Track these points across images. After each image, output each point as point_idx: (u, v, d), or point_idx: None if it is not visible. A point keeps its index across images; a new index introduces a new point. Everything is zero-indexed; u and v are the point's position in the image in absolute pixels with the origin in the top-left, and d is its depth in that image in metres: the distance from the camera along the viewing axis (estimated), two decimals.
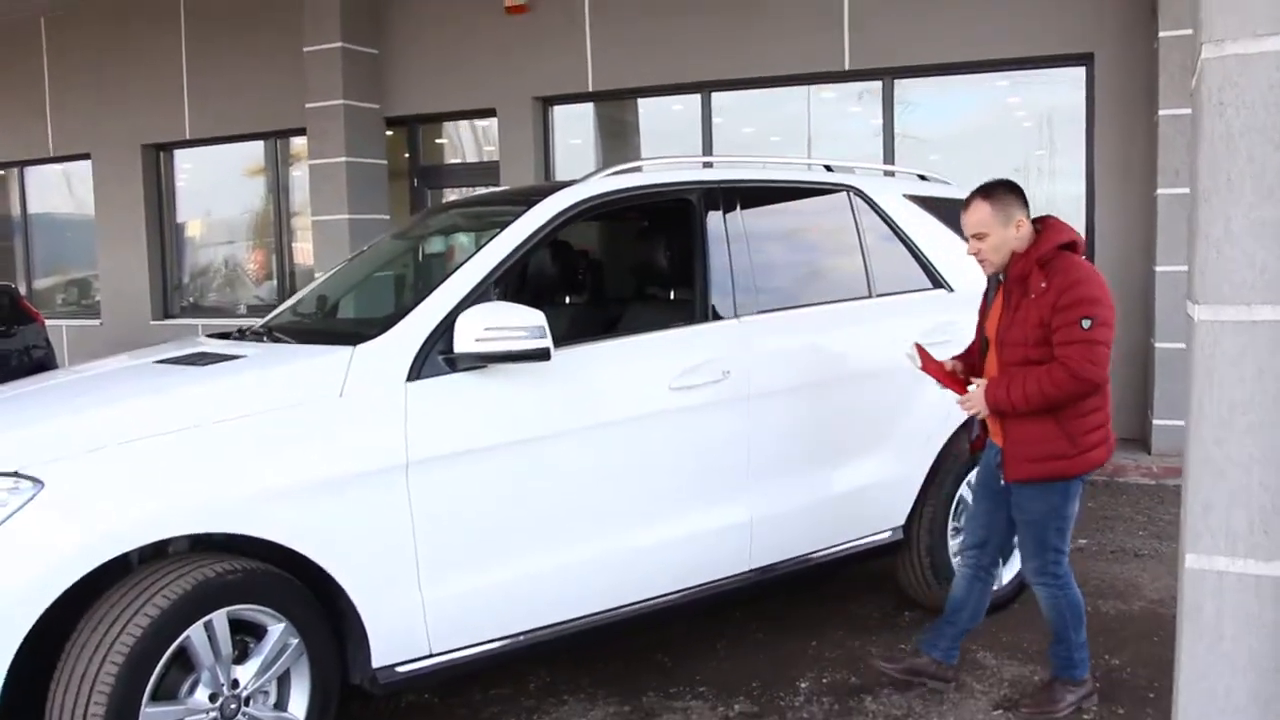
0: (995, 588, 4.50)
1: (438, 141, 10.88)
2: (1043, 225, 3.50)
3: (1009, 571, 4.58)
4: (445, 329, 3.28)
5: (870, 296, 4.27)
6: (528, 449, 3.34)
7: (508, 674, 4.01)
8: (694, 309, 3.84)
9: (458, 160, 10.84)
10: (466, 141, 10.85)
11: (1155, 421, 7.33)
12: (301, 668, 3.11)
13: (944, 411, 4.34)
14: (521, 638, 3.41)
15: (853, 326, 4.18)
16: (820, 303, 4.15)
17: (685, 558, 3.70)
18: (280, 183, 11.24)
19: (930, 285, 4.47)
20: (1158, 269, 7.42)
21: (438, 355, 3.26)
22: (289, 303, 4.40)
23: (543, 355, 3.24)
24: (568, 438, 3.41)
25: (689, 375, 3.63)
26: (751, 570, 3.88)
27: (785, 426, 3.89)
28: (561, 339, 3.55)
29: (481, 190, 9.60)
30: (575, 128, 10.00)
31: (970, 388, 3.55)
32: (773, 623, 4.51)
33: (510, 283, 5.20)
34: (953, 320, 4.41)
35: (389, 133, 10.50)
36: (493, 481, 3.30)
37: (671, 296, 4.35)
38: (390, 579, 3.16)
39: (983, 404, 3.47)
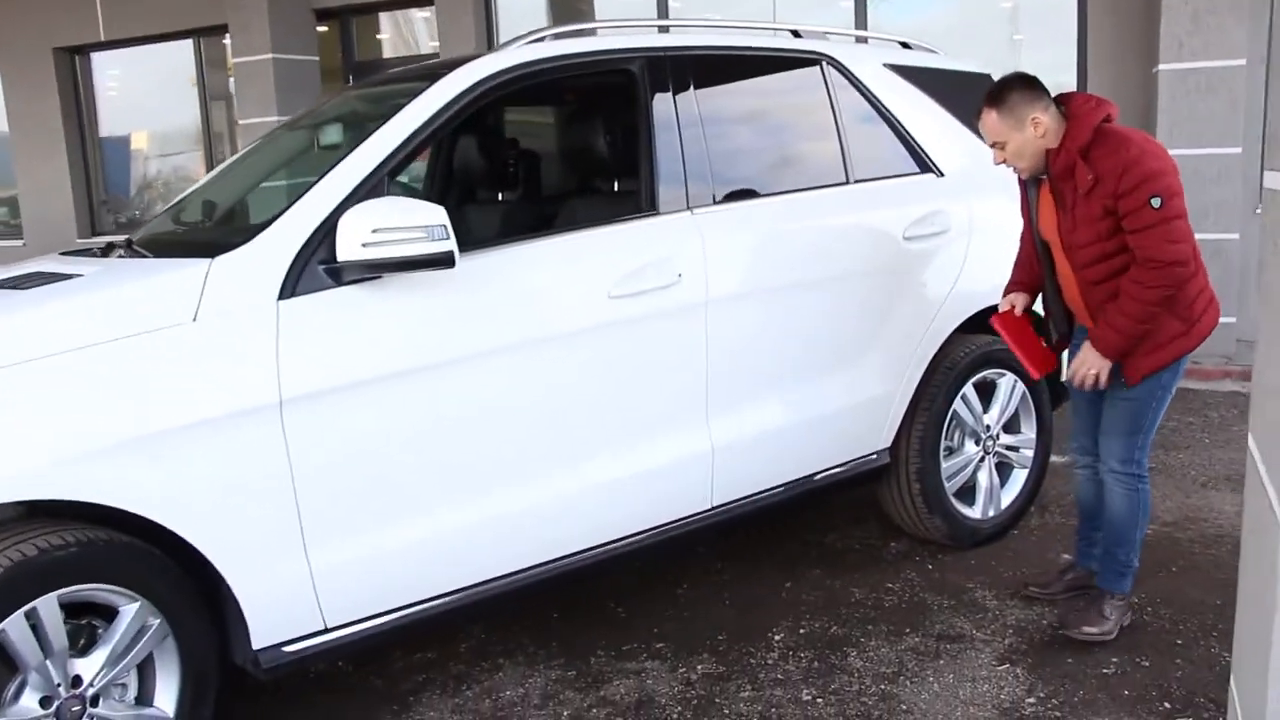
0: (992, 514, 3.98)
1: (376, 37, 10.03)
2: (1068, 108, 3.05)
3: (1007, 494, 4.04)
4: (326, 233, 2.64)
5: (848, 183, 3.63)
6: (433, 378, 2.73)
7: (434, 633, 3.46)
8: (639, 201, 3.21)
9: (396, 55, 10.00)
10: (406, 34, 10.01)
11: None
12: (168, 653, 2.54)
13: (934, 315, 3.75)
14: (440, 601, 2.84)
15: (827, 218, 3.55)
16: (789, 191, 3.51)
17: (633, 499, 3.12)
18: (209, 86, 10.37)
19: (917, 169, 3.84)
20: None
21: (318, 266, 2.63)
22: (164, 210, 3.73)
23: (445, 261, 2.61)
24: (482, 362, 2.79)
25: (632, 280, 3.01)
26: (714, 509, 3.31)
27: (749, 338, 3.29)
28: (480, 241, 2.93)
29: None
30: (525, 19, 9.17)
31: (1066, 362, 3.30)
32: (742, 561, 3.97)
33: (436, 183, 4.60)
34: (943, 209, 3.80)
35: (320, 27, 9.63)
36: (391, 420, 2.69)
37: (615, 188, 3.71)
38: (267, 545, 2.57)
39: (1102, 362, 3.08)
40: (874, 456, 3.71)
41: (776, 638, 3.39)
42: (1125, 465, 3.18)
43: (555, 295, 2.91)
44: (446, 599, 2.85)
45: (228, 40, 9.81)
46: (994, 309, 3.46)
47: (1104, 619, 3.27)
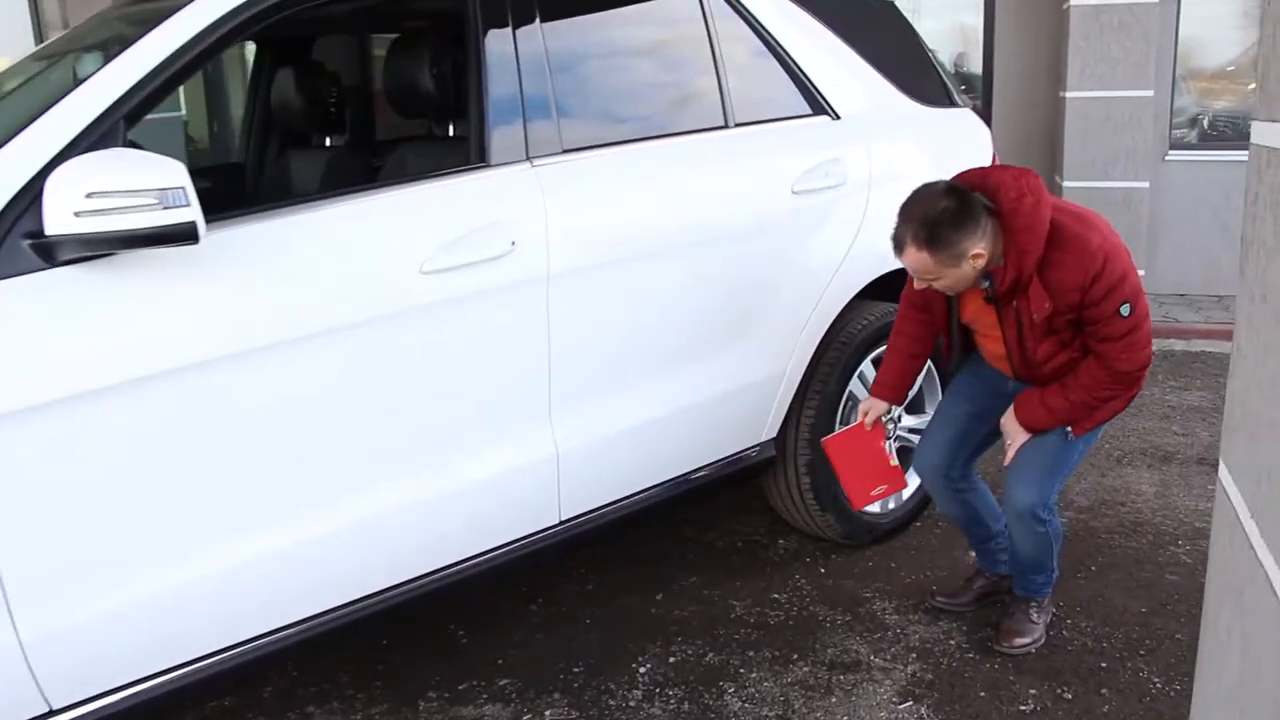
0: (892, 506, 3.52)
1: None
2: (1000, 207, 2.50)
3: (910, 487, 3.57)
4: (34, 199, 1.98)
5: (726, 127, 3.05)
6: (183, 388, 2.09)
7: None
8: (466, 151, 2.59)
9: None
10: None
11: None
12: None
13: (828, 282, 3.22)
14: (213, 661, 2.25)
15: (700, 169, 2.97)
16: (654, 137, 2.91)
17: (458, 520, 2.54)
18: None
19: (809, 110, 3.27)
20: (1068, 95, 6.37)
21: (20, 241, 1.97)
22: None
23: (186, 234, 1.98)
24: (251, 365, 2.16)
25: (451, 251, 2.40)
26: (563, 523, 2.74)
27: (602, 319, 2.71)
28: (260, 204, 2.30)
29: None
30: None
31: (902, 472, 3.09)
32: (608, 564, 3.43)
33: (252, 130, 3.91)
34: (838, 157, 3.25)
35: None
36: (125, 444, 2.06)
37: (436, 136, 3.08)
38: None
39: (1023, 435, 2.73)
40: (756, 450, 3.18)
41: (642, 669, 2.87)
42: (1038, 510, 2.71)
43: (348, 273, 2.28)
44: (222, 656, 2.26)
45: None
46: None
47: (1032, 625, 2.88)
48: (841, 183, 3.23)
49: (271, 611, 2.32)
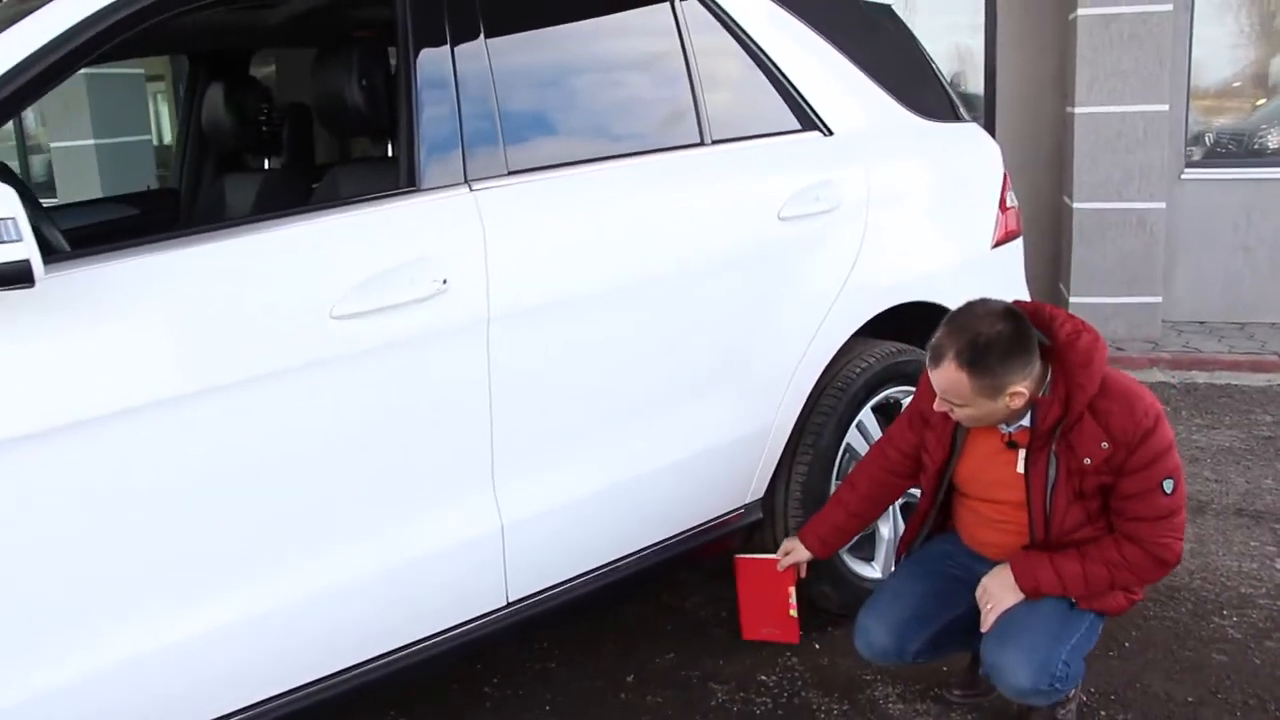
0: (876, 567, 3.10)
1: None
2: (1054, 342, 2.25)
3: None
4: None
5: (702, 144, 2.67)
6: (31, 456, 1.71)
7: None
8: (396, 175, 2.21)
9: None
10: None
11: (1071, 299, 6.02)
12: None
13: (821, 321, 2.84)
14: None
15: (672, 192, 2.58)
16: (616, 156, 2.53)
17: (380, 607, 2.14)
18: None
19: (798, 125, 2.89)
20: (1076, 110, 6.00)
21: None
22: None
23: (19, 276, 1.60)
24: (118, 428, 1.78)
25: (370, 291, 2.01)
26: (512, 606, 2.34)
27: (554, 367, 2.32)
28: (162, 234, 1.92)
29: None
30: None
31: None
32: (575, 635, 3.02)
33: (186, 152, 3.54)
34: (831, 178, 2.87)
35: None
36: None
37: (381, 155, 2.71)
38: None
39: (1016, 597, 2.33)
40: (740, 512, 2.79)
41: None
42: (1041, 684, 2.25)
43: (242, 319, 1.89)
44: None
45: None
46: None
47: None
48: (835, 207, 2.85)
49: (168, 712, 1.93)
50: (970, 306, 2.25)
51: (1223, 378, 5.44)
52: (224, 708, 1.98)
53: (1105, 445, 2.18)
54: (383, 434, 2.07)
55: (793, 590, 2.76)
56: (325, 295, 1.96)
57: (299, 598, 2.01)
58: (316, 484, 2.01)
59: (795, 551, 2.68)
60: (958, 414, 2.27)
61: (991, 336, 2.16)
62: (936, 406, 2.30)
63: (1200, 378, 5.46)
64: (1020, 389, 2.18)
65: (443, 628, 2.25)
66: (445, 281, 2.08)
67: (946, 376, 2.19)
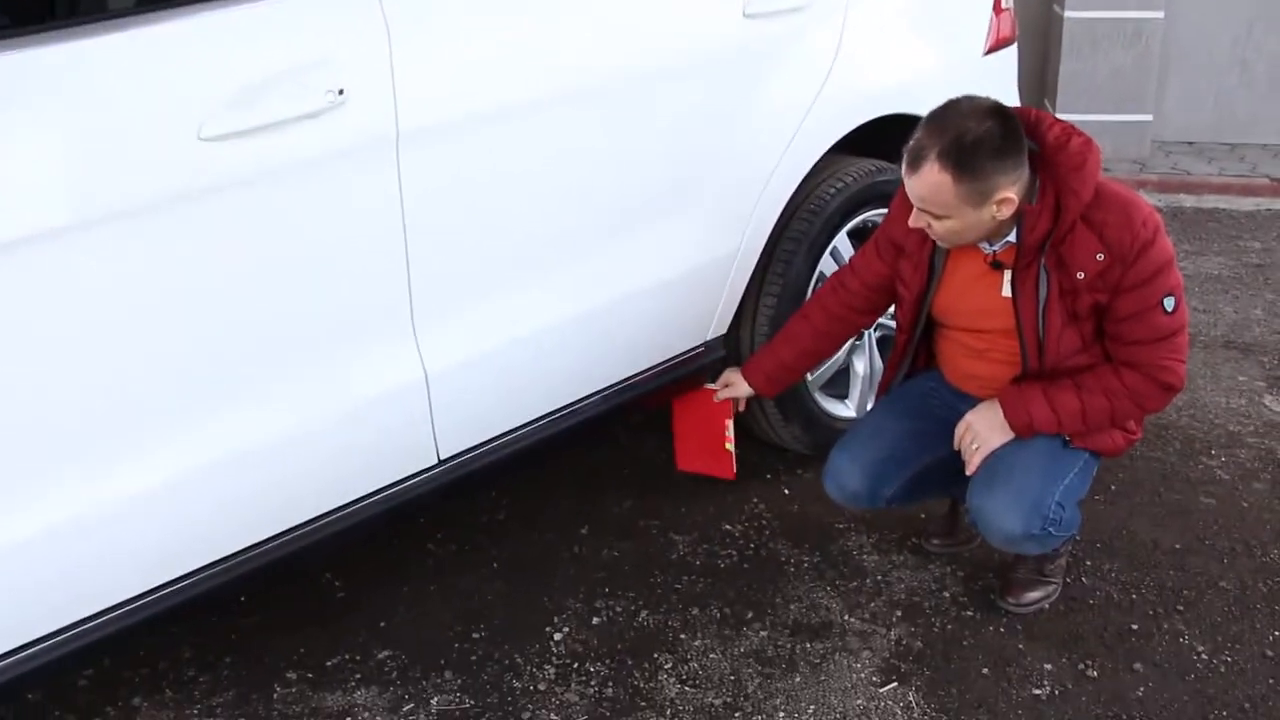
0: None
1: None
2: (1042, 146, 1.98)
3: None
4: None
5: None
6: None
7: None
8: None
9: None
10: None
11: (1057, 116, 5.66)
12: None
13: (792, 135, 2.51)
14: None
15: None
16: None
17: (294, 473, 1.89)
18: None
19: None
20: None
21: None
22: None
23: None
24: None
25: (250, 103, 1.66)
26: (443, 464, 2.10)
27: (481, 192, 1.98)
28: None
29: None
30: None
31: None
32: (524, 489, 2.79)
33: None
34: None
35: None
36: None
37: None
38: None
39: (1005, 436, 2.11)
40: (701, 351, 2.52)
41: (558, 635, 2.28)
42: (1033, 528, 2.06)
43: (78, 146, 1.54)
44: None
45: None
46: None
47: (1045, 581, 2.29)
48: (809, 3, 2.48)
49: (41, 608, 1.69)
50: (953, 103, 1.97)
51: (1210, 201, 5.16)
52: (118, 595, 1.74)
53: (1101, 257, 1.95)
54: (272, 280, 1.76)
55: (729, 424, 2.54)
56: (190, 111, 1.61)
57: (198, 468, 1.75)
58: (192, 344, 1.71)
59: (735, 386, 2.46)
60: (936, 228, 2.00)
61: (980, 134, 1.89)
62: (912, 222, 2.03)
63: (1188, 201, 5.18)
64: (1010, 194, 1.92)
65: (367, 491, 2.00)
66: (341, 92, 1.74)
67: (928, 181, 1.91)
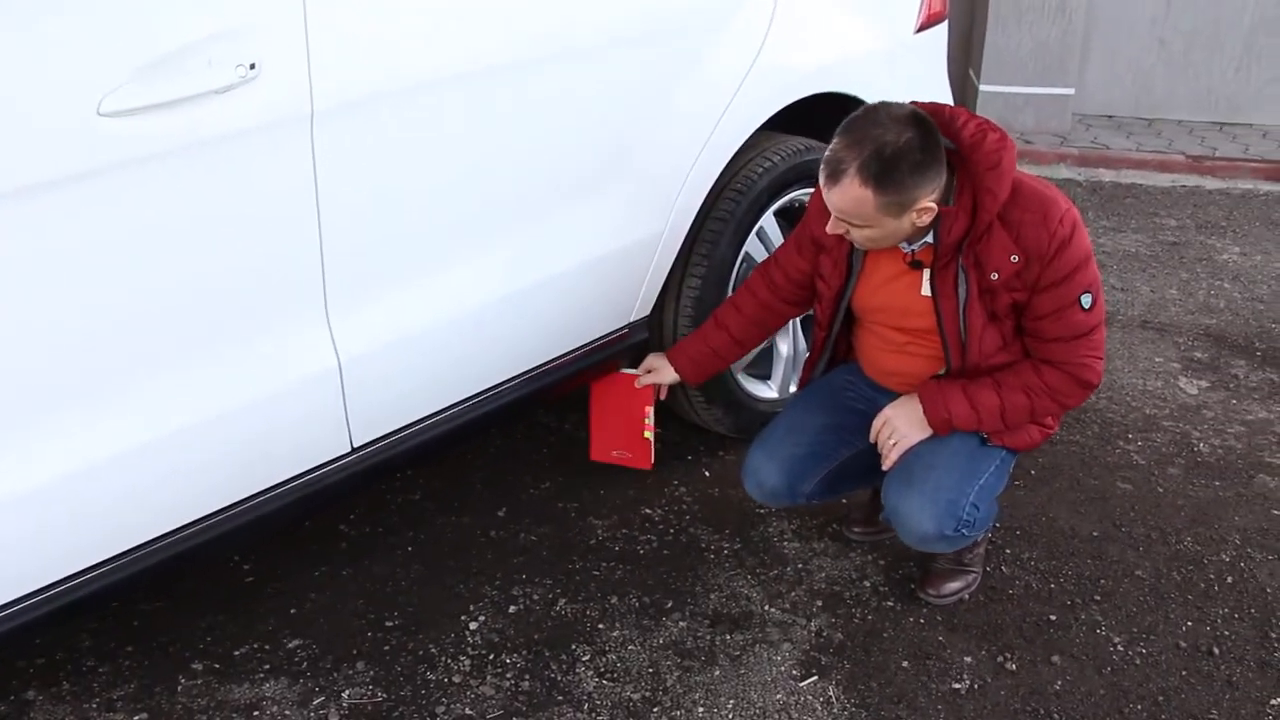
0: (794, 391, 2.86)
1: None
2: (960, 145, 1.94)
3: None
4: None
5: None
6: None
7: None
8: None
9: None
10: None
11: (981, 87, 5.69)
12: None
13: (722, 112, 2.45)
14: None
15: None
16: None
17: (197, 464, 1.80)
18: None
19: None
20: None
21: None
22: None
23: None
24: None
25: (155, 77, 1.54)
26: (355, 453, 2.01)
27: (397, 171, 1.89)
28: None
29: None
30: None
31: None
32: (439, 469, 2.74)
33: None
34: None
35: None
36: None
37: None
38: None
39: (924, 433, 2.11)
40: (624, 333, 2.47)
41: (473, 624, 2.23)
42: (943, 525, 2.05)
43: None
44: None
45: None
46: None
47: (965, 571, 2.29)
48: None
49: None
50: (870, 112, 1.90)
51: (1129, 176, 5.24)
52: (15, 591, 1.64)
53: (1015, 259, 1.93)
54: (175, 264, 1.65)
55: (650, 410, 2.50)
56: (90, 85, 1.49)
57: (97, 459, 1.65)
58: (89, 332, 1.60)
59: (659, 372, 2.42)
60: (855, 235, 1.97)
61: (900, 146, 1.83)
62: (830, 229, 1.99)
63: (1106, 176, 5.25)
64: (929, 203, 1.89)
65: (277, 480, 1.92)
66: (254, 66, 1.63)
67: (848, 195, 1.87)
